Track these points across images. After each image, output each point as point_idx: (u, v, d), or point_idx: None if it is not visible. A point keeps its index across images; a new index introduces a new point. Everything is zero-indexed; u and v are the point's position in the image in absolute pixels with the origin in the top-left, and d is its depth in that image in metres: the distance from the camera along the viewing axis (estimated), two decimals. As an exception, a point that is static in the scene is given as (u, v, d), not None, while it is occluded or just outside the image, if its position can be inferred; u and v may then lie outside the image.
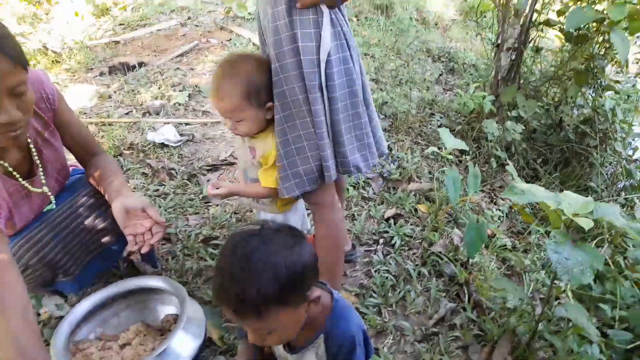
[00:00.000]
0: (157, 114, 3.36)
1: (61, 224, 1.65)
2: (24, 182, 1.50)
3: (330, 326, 1.09)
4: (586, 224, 1.39)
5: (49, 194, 1.62)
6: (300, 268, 0.94)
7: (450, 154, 2.84)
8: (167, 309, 1.75)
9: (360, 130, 1.50)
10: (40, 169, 1.57)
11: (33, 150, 1.54)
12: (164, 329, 1.64)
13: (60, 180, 1.71)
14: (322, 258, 1.64)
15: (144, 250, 1.52)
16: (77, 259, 1.70)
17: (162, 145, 2.96)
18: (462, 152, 3.06)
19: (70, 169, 1.95)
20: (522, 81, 3.43)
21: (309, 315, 1.06)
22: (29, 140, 1.53)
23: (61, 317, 1.61)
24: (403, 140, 2.99)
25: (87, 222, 1.71)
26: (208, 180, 2.67)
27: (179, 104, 3.51)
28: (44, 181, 1.59)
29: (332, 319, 1.09)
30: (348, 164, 1.50)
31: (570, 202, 1.48)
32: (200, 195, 2.53)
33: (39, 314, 1.79)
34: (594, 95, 3.32)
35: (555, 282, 1.62)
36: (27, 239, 1.57)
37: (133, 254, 2.03)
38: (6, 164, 1.45)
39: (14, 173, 1.47)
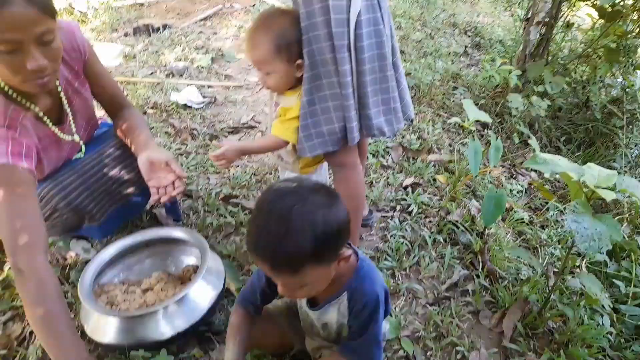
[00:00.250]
0: (181, 75, 3.38)
1: (88, 172, 1.70)
2: (53, 128, 1.55)
3: (355, 284, 1.12)
4: (608, 195, 1.38)
5: (79, 142, 1.67)
6: (336, 227, 0.95)
7: (472, 128, 2.82)
8: (188, 260, 1.81)
9: (386, 94, 1.50)
10: (71, 117, 1.61)
11: (63, 98, 1.58)
12: (184, 278, 1.70)
13: (88, 130, 1.76)
14: None
15: (164, 199, 1.56)
16: (102, 207, 1.75)
17: (185, 106, 3.00)
18: (484, 126, 3.04)
19: (99, 122, 2.00)
20: (550, 58, 3.35)
21: (336, 272, 1.09)
22: (60, 88, 1.57)
23: (88, 261, 1.67)
24: (425, 112, 2.97)
25: (113, 172, 1.76)
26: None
27: (202, 67, 3.53)
28: (74, 129, 1.64)
29: (357, 277, 1.12)
30: (372, 127, 1.50)
31: (593, 174, 1.48)
32: (221, 156, 2.57)
33: (65, 258, 1.87)
34: (624, 74, 3.23)
35: (571, 254, 1.63)
36: (55, 183, 1.62)
37: (157, 207, 2.09)
38: (37, 110, 1.49)
39: (45, 119, 1.52)
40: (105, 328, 1.44)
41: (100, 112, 2.05)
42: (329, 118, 1.49)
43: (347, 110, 1.46)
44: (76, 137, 1.64)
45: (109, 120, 1.89)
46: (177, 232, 1.74)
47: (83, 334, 1.56)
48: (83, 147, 1.70)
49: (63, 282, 1.76)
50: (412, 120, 2.86)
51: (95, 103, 1.81)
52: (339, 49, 1.39)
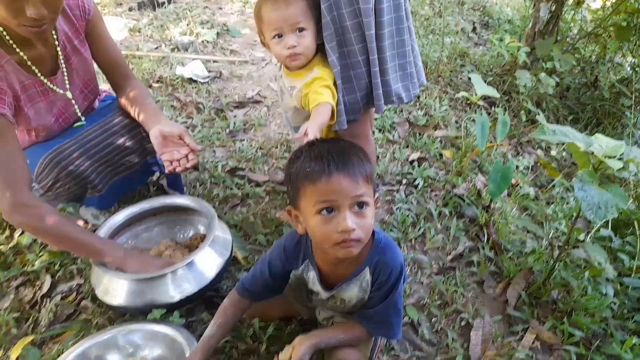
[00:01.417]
0: (186, 49, 3.36)
1: (91, 142, 1.70)
2: (41, 77, 1.53)
3: (376, 258, 1.12)
4: (616, 165, 1.38)
5: (73, 101, 1.65)
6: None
7: (480, 103, 2.81)
8: (195, 229, 1.83)
9: (403, 59, 1.49)
10: (65, 72, 1.60)
11: (59, 51, 1.57)
12: (192, 246, 1.72)
13: (86, 95, 1.74)
14: None
15: (179, 170, 1.57)
16: (105, 177, 1.76)
17: (191, 80, 2.99)
18: (492, 104, 3.02)
19: (103, 94, 2.00)
20: (559, 36, 3.31)
21: None
22: (57, 42, 1.55)
23: (97, 228, 1.69)
24: (432, 89, 2.95)
25: (116, 143, 1.76)
26: (235, 117, 2.70)
27: (207, 42, 3.51)
28: (67, 85, 1.63)
29: (378, 250, 1.13)
30: (391, 93, 1.50)
31: (601, 145, 1.48)
32: (227, 130, 2.57)
33: (74, 226, 1.88)
34: (634, 52, 3.19)
35: (576, 227, 1.64)
36: (57, 153, 1.63)
37: (162, 179, 2.10)
38: (25, 57, 1.48)
39: (33, 67, 1.51)
40: (115, 290, 1.47)
41: (104, 86, 2.06)
42: (351, 87, 1.48)
43: (374, 77, 1.44)
44: (69, 94, 1.63)
45: (114, 94, 1.89)
46: (185, 201, 1.75)
47: (94, 298, 1.60)
48: (78, 111, 1.69)
49: (73, 248, 1.78)
50: (418, 96, 2.87)
51: (100, 78, 1.82)
52: (365, 12, 1.36)
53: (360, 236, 1.00)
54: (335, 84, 1.44)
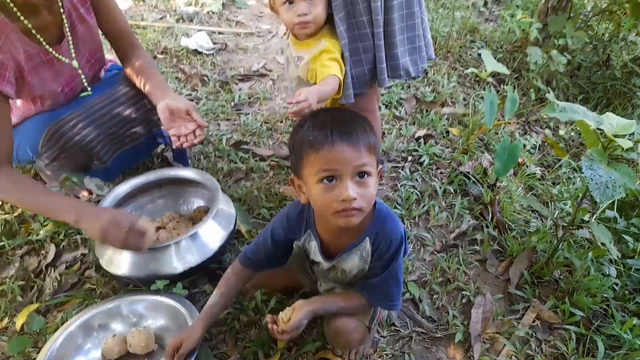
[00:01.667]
0: (191, 20, 3.31)
1: (97, 113, 1.69)
2: (46, 46, 1.51)
3: (377, 227, 1.12)
4: (626, 144, 1.36)
5: (79, 70, 1.63)
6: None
7: (489, 80, 2.76)
8: (199, 201, 1.83)
9: (412, 32, 1.45)
10: (70, 41, 1.58)
11: (65, 19, 1.54)
12: (196, 219, 1.72)
13: (93, 64, 1.72)
14: None
15: (186, 145, 1.55)
16: (110, 149, 1.75)
17: (195, 52, 2.95)
18: (501, 81, 2.97)
19: (109, 64, 1.97)
20: (572, 13, 3.22)
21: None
22: (62, 10, 1.53)
23: (101, 199, 1.69)
24: (440, 65, 2.90)
25: (122, 113, 1.75)
26: (240, 90, 2.67)
27: (213, 13, 3.45)
28: (73, 54, 1.60)
29: (378, 220, 1.13)
30: (398, 67, 1.47)
31: (611, 123, 1.45)
32: (232, 103, 2.55)
33: (78, 197, 1.89)
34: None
35: (582, 208, 1.62)
36: (62, 123, 1.62)
37: (167, 151, 2.09)
38: (29, 25, 1.46)
39: (37, 35, 1.48)
40: (119, 261, 1.48)
41: (110, 56, 2.03)
42: (358, 60, 1.45)
43: (378, 50, 1.41)
44: (75, 63, 1.61)
45: (119, 64, 1.86)
46: (189, 173, 1.75)
47: (98, 268, 1.61)
48: (84, 81, 1.67)
49: (77, 218, 1.78)
50: (426, 72, 2.82)
51: (105, 47, 1.79)
52: None
53: (361, 205, 1.00)
54: (342, 56, 1.41)
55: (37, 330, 1.45)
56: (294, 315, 1.12)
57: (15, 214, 1.84)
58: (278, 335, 1.13)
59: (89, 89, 1.73)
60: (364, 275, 1.20)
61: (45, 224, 1.79)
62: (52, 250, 1.71)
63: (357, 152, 0.98)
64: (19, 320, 1.48)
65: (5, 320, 1.52)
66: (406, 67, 1.48)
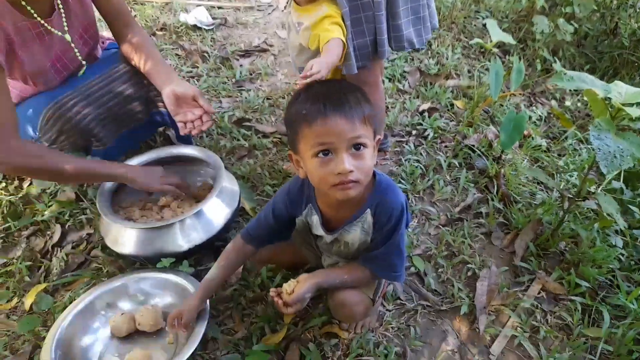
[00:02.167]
0: (190, -5, 3.24)
1: (95, 93, 1.67)
2: (37, 17, 1.47)
3: (378, 198, 1.11)
4: (635, 112, 1.33)
5: (72, 44, 1.60)
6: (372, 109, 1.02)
7: (494, 50, 2.70)
8: (203, 180, 1.82)
9: (416, 2, 1.42)
10: (63, 13, 1.54)
11: None
12: (200, 197, 1.72)
13: (86, 40, 1.68)
14: None
15: (194, 132, 1.52)
16: (110, 130, 1.74)
17: (195, 28, 2.90)
18: (506, 52, 2.91)
19: (107, 42, 1.94)
20: (580, -21, 3.13)
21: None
22: None
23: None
24: (445, 36, 2.84)
25: (123, 93, 1.72)
26: (241, 66, 2.63)
27: (212, -13, 3.37)
28: (65, 27, 1.57)
29: (379, 191, 1.11)
30: (402, 38, 1.43)
31: (620, 92, 1.42)
32: (233, 79, 2.52)
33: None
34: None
35: (588, 178, 1.60)
36: (61, 104, 1.59)
37: (167, 130, 2.08)
38: None
39: (27, 7, 1.45)
40: (124, 240, 1.48)
41: (108, 34, 1.99)
42: (360, 31, 1.41)
43: (378, 21, 1.38)
44: (67, 36, 1.57)
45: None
46: (192, 151, 1.74)
47: (104, 247, 1.62)
48: (78, 55, 1.63)
49: (82, 199, 1.79)
50: (430, 44, 2.76)
51: (102, 25, 1.75)
52: None
53: (358, 178, 0.99)
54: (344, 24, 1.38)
55: (46, 310, 1.46)
56: (297, 288, 1.12)
57: (20, 195, 1.84)
58: (282, 308, 1.13)
59: (84, 62, 1.68)
60: (366, 247, 1.19)
61: (50, 204, 1.79)
62: (57, 230, 1.72)
63: (351, 124, 0.96)
64: (28, 300, 1.50)
65: (15, 300, 1.53)
66: (410, 38, 1.45)
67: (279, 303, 1.13)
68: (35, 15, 1.46)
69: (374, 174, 1.13)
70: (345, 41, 1.34)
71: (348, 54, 1.41)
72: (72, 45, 1.60)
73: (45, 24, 1.50)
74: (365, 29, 1.39)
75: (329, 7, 1.36)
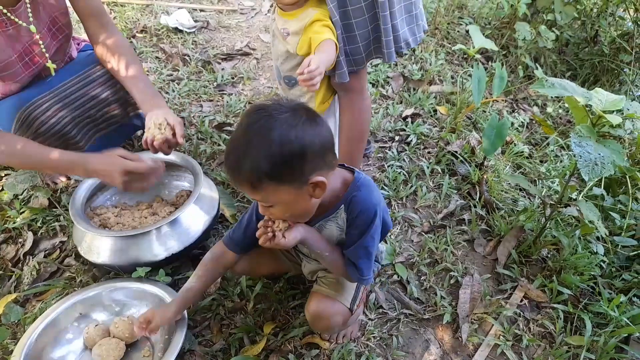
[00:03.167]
0: (171, -2, 3.19)
1: (72, 95, 1.62)
2: None
3: (351, 195, 1.08)
4: (615, 120, 1.33)
5: (37, 36, 1.54)
6: (298, 148, 0.89)
7: (477, 56, 2.71)
8: (181, 185, 1.78)
9: (409, 0, 1.40)
10: (28, 4, 1.48)
11: None
12: (178, 203, 1.68)
13: (55, 35, 1.61)
14: (344, 147, 1.63)
15: (153, 150, 1.47)
16: (86, 133, 1.69)
17: (176, 30, 2.86)
18: (489, 58, 2.93)
19: (83, 44, 1.88)
20: (561, -13, 3.17)
21: (332, 192, 1.06)
22: None
23: (78, 184, 1.64)
24: (428, 42, 2.84)
25: (99, 95, 1.68)
26: (222, 69, 2.60)
27: (194, -11, 3.33)
28: (30, 18, 1.51)
29: (353, 188, 1.08)
30: (399, 38, 1.41)
31: (600, 99, 1.42)
32: (215, 83, 2.48)
33: (56, 183, 1.83)
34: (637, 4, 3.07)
35: (570, 185, 1.61)
36: (35, 106, 1.54)
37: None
38: None
39: None
40: (99, 248, 1.43)
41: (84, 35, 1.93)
42: (352, 37, 1.39)
43: (384, 21, 1.35)
44: (32, 27, 1.51)
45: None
46: (170, 156, 1.68)
47: (78, 255, 1.56)
48: (44, 49, 1.57)
49: (55, 205, 1.73)
50: (414, 50, 2.76)
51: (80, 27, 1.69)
52: None
53: (278, 217, 1.03)
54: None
55: (16, 321, 1.41)
56: (290, 231, 1.05)
57: (-10, 201, 1.78)
58: (268, 242, 1.04)
59: (47, 55, 1.60)
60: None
61: (21, 211, 1.73)
62: (29, 238, 1.66)
63: (247, 190, 0.95)
64: (-4, 311, 1.44)
65: (-18, 311, 1.47)
66: (406, 38, 1.43)
67: (267, 232, 1.04)
68: None
69: (354, 172, 1.11)
70: (336, 42, 1.31)
71: (339, 63, 1.38)
72: (38, 36, 1.54)
73: (8, 13, 1.44)
74: (358, 35, 1.37)
75: (317, 10, 1.34)
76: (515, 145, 2.20)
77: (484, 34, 2.97)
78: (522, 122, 2.43)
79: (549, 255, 1.66)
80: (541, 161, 2.24)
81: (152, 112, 1.47)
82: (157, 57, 2.63)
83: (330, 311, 1.20)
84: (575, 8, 2.91)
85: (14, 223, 1.69)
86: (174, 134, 1.45)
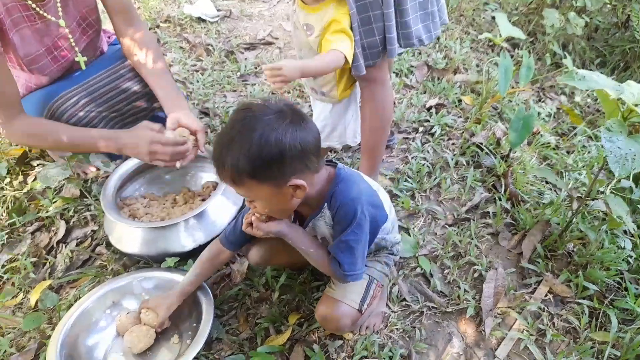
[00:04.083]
0: (194, -14, 3.20)
1: (101, 89, 1.65)
2: (28, 1, 1.44)
3: (332, 192, 1.09)
4: (648, 114, 1.30)
5: (67, 30, 1.57)
6: (277, 152, 0.91)
7: (503, 45, 2.66)
8: (207, 177, 1.81)
9: None
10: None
11: None
12: (204, 194, 1.71)
13: (85, 29, 1.65)
14: (366, 137, 1.63)
15: (178, 165, 1.49)
16: (112, 127, 1.71)
17: (199, 20, 2.87)
18: (515, 45, 2.87)
19: (113, 37, 1.91)
20: (592, -29, 3.07)
21: (316, 190, 1.07)
22: None
23: (108, 175, 1.68)
24: (453, 29, 2.80)
25: (130, 89, 1.71)
26: (245, 59, 2.61)
27: (216, -22, 3.33)
28: (60, 13, 1.54)
29: (335, 183, 1.09)
30: (411, 35, 1.40)
31: (632, 92, 1.38)
32: (238, 73, 2.49)
33: (86, 173, 1.88)
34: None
35: (598, 179, 1.58)
36: (64, 100, 1.58)
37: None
38: None
39: None
40: (129, 239, 1.48)
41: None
42: (369, 30, 1.39)
43: (388, 19, 1.35)
44: (61, 22, 1.54)
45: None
46: (196, 148, 1.72)
47: (108, 244, 1.61)
48: (73, 43, 1.60)
49: (86, 195, 1.78)
50: (438, 37, 2.72)
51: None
52: None
53: (259, 211, 1.07)
54: (351, 26, 1.35)
55: (51, 307, 1.46)
56: (270, 223, 1.10)
57: (24, 190, 1.84)
58: (248, 227, 1.12)
59: (77, 51, 1.64)
60: None
61: (54, 200, 1.79)
62: (62, 226, 1.72)
63: (230, 185, 0.98)
64: (33, 297, 1.50)
65: (20, 296, 1.54)
66: (419, 35, 1.41)
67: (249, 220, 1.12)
68: None
69: (337, 168, 1.11)
70: (348, 50, 1.31)
71: (355, 55, 1.38)
72: (67, 30, 1.57)
73: (37, 8, 1.47)
74: (375, 28, 1.36)
75: (336, 8, 1.33)
76: (541, 136, 2.16)
77: (510, 21, 2.91)
78: (549, 111, 2.38)
79: (575, 250, 1.64)
80: (568, 152, 2.20)
81: (174, 113, 1.50)
82: (181, 47, 2.66)
83: (337, 314, 1.21)
84: (606, -7, 2.82)
85: (47, 212, 1.75)
86: (195, 140, 1.49)
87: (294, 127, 0.94)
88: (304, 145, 0.95)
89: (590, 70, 2.98)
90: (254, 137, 0.91)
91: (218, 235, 1.48)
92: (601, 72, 3.02)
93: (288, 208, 1.09)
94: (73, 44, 1.61)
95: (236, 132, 0.93)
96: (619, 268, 1.56)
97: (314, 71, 1.31)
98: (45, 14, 1.50)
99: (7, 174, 1.92)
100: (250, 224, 1.11)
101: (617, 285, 1.54)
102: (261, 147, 0.91)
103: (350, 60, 1.35)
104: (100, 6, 1.66)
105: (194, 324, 1.34)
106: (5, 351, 1.37)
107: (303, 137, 0.95)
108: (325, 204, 1.10)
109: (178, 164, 1.46)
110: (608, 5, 3.15)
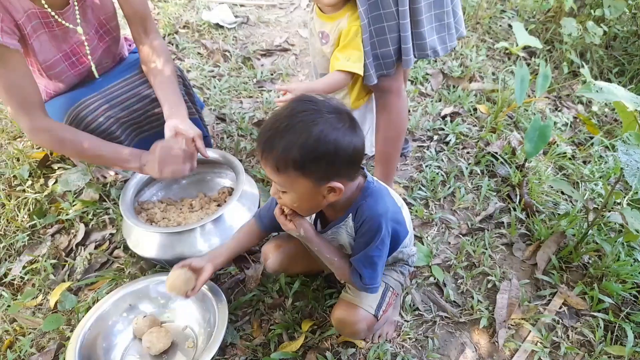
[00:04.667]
0: (212, -7, 3.25)
1: (121, 96, 1.67)
2: (46, 7, 1.46)
3: (360, 203, 1.10)
4: (666, 128, 1.29)
5: (83, 37, 1.59)
6: (333, 148, 0.93)
7: (520, 54, 2.65)
8: (223, 182, 1.84)
9: (440, 9, 1.39)
10: (76, 6, 1.53)
11: None
12: (219, 200, 1.73)
13: (103, 37, 1.68)
14: (380, 147, 1.64)
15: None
16: (129, 134, 1.74)
17: (217, 26, 2.91)
18: (532, 54, 2.85)
19: (133, 45, 1.94)
20: (611, -21, 3.04)
21: (344, 197, 1.07)
22: None
23: (127, 179, 1.71)
24: (469, 37, 2.79)
25: (147, 98, 1.73)
26: (262, 65, 2.64)
27: (234, -16, 3.37)
28: (78, 20, 1.56)
29: (362, 197, 1.10)
30: (425, 46, 1.42)
31: (651, 105, 1.38)
32: (254, 80, 2.52)
33: (105, 177, 1.92)
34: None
35: (615, 190, 1.57)
36: (84, 106, 1.60)
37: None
38: None
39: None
40: (146, 243, 1.51)
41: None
42: (384, 40, 1.40)
43: (403, 29, 1.36)
44: (79, 29, 1.57)
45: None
46: (212, 154, 1.74)
47: (126, 247, 1.64)
48: (88, 49, 1.63)
49: (104, 199, 1.82)
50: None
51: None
52: None
53: (285, 204, 1.08)
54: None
55: (70, 309, 1.50)
56: (300, 220, 1.12)
57: (45, 193, 1.89)
58: (282, 217, 1.13)
59: (91, 60, 1.66)
60: None
61: (74, 203, 1.83)
62: (81, 229, 1.76)
63: (269, 169, 0.99)
64: (53, 298, 1.53)
65: (40, 297, 1.57)
66: (434, 46, 1.42)
67: (282, 213, 1.13)
68: (45, 6, 1.46)
69: (367, 179, 1.12)
70: (353, 68, 1.37)
71: (365, 65, 1.40)
72: (84, 37, 1.60)
73: (56, 16, 1.50)
74: (389, 39, 1.38)
75: (349, 19, 1.36)
76: (557, 146, 2.15)
77: (527, 29, 2.90)
78: (565, 121, 2.37)
79: (590, 262, 1.63)
80: (584, 162, 2.18)
81: (171, 120, 1.53)
82: (199, 53, 2.69)
83: (354, 318, 1.22)
84: (625, 2, 2.79)
85: (67, 215, 1.79)
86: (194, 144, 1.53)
87: (351, 132, 0.97)
88: (355, 151, 0.98)
89: (609, 79, 2.97)
90: (313, 130, 0.92)
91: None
92: (619, 81, 3.00)
93: (316, 207, 1.10)
94: (88, 51, 1.65)
95: (296, 120, 0.93)
96: (635, 281, 1.55)
97: (322, 91, 1.35)
98: (63, 22, 1.54)
99: (29, 176, 1.96)
100: (284, 213, 1.12)
101: (634, 299, 1.53)
102: (319, 142, 0.92)
103: (361, 73, 1.37)
104: (120, 12, 1.69)
105: (208, 329, 1.36)
106: (26, 351, 1.40)
107: (356, 144, 0.98)
108: (350, 214, 1.12)
109: (187, 169, 1.49)
110: (628, 13, 3.12)
